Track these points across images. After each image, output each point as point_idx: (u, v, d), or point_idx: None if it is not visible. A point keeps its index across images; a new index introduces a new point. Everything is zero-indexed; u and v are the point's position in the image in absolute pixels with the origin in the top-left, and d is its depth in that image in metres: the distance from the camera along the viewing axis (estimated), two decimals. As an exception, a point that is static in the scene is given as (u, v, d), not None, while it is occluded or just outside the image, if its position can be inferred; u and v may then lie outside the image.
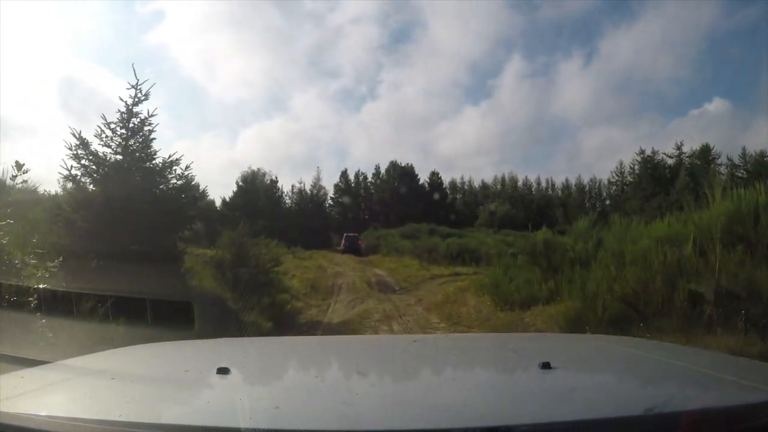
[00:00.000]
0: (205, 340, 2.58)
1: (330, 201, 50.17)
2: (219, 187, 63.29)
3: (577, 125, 72.30)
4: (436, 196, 48.84)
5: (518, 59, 74.85)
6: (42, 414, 1.03)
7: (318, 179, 48.98)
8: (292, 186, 51.56)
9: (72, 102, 57.24)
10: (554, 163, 69.42)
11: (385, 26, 73.95)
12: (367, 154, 79.70)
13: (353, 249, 31.75)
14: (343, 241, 33.67)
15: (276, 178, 49.50)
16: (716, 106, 56.89)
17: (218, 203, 45.02)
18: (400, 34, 76.52)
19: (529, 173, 52.53)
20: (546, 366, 1.35)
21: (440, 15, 71.36)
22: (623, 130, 66.29)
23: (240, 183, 46.09)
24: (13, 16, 49.94)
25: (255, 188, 45.61)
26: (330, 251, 31.93)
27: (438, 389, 1.37)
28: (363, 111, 74.84)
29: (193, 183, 10.16)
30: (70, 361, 1.56)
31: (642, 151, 41.10)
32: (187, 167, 7.49)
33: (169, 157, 7.35)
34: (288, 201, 48.54)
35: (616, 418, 1.05)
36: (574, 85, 67.67)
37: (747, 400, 1.20)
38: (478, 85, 74.88)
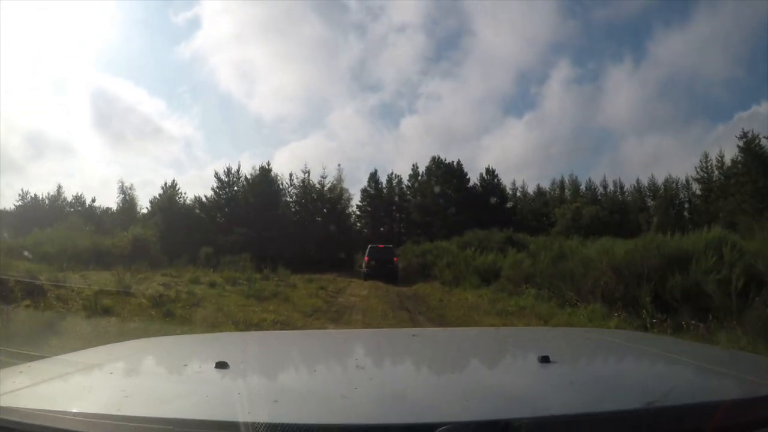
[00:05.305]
0: (203, 335, 2.74)
1: (356, 210, 37.79)
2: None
3: (623, 133, 68.28)
4: (493, 199, 38.39)
5: (565, 65, 71.49)
6: (41, 409, 1.12)
7: (340, 180, 36.14)
8: (290, 174, 41.31)
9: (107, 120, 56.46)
10: (599, 174, 66.64)
11: (431, 36, 73.85)
12: (404, 170, 69.67)
13: (384, 271, 19.41)
14: (366, 258, 19.96)
15: (268, 164, 39.25)
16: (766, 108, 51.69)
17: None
18: (446, 43, 73.13)
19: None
20: (545, 360, 1.45)
21: (489, 21, 69.06)
22: (671, 138, 63.04)
23: (221, 177, 33.58)
24: (44, 31, 51.98)
25: (239, 181, 32.87)
26: (343, 276, 19.19)
27: (437, 383, 1.48)
28: (402, 125, 71.66)
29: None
30: (68, 356, 1.71)
31: (744, 134, 34.12)
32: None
33: None
34: (288, 198, 35.60)
35: (615, 412, 1.11)
36: (622, 91, 63.34)
37: (746, 394, 1.28)
38: (522, 95, 71.59)
